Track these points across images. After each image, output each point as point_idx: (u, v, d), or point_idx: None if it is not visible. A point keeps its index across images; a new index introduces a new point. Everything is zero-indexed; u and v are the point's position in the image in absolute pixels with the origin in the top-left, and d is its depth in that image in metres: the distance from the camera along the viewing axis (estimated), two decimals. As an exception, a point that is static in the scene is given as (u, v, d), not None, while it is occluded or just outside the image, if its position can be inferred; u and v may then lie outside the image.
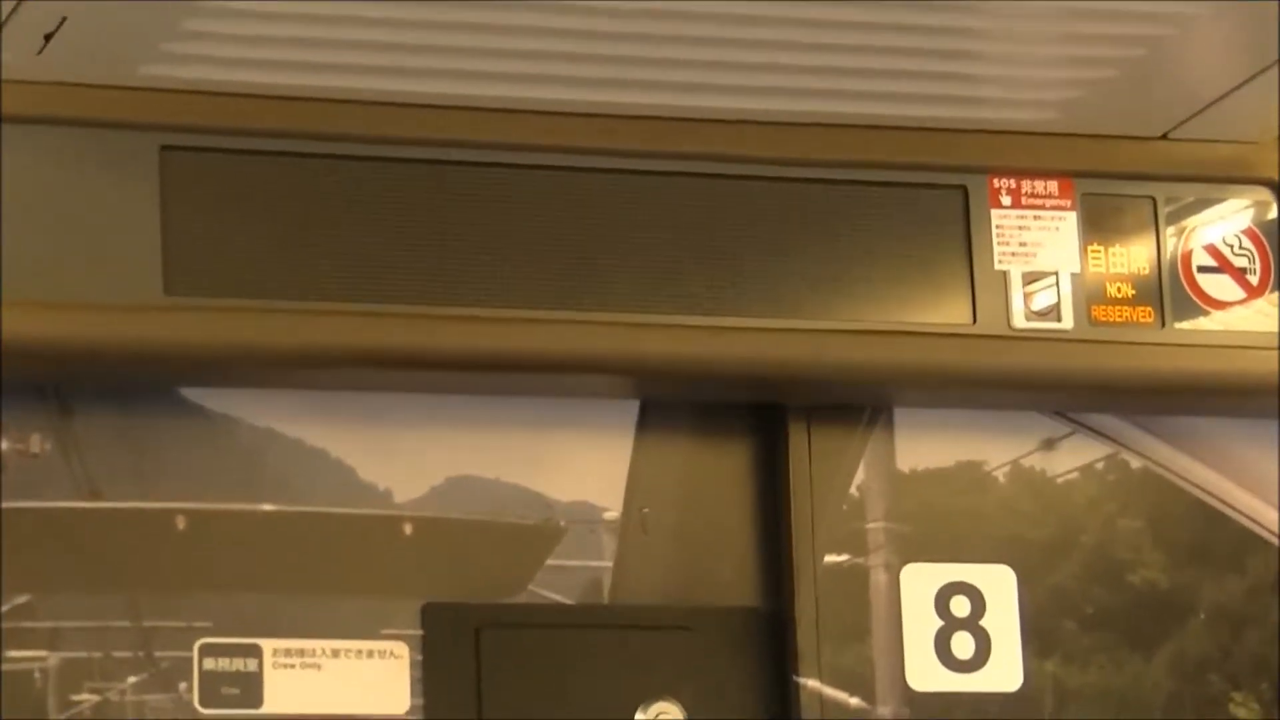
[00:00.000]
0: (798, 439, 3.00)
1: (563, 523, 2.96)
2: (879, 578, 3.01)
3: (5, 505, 2.79)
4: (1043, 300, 2.98)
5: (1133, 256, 3.01)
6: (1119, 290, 3.00)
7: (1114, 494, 3.10)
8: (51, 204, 2.72)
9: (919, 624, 3.00)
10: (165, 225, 2.75)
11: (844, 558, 3.00)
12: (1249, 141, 3.02)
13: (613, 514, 2.98)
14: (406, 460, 2.91)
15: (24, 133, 2.72)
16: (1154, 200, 3.02)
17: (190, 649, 2.83)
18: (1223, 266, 3.03)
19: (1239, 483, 3.12)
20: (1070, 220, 3.00)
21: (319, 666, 2.86)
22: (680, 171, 2.89)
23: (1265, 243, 3.05)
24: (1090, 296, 2.99)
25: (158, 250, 2.74)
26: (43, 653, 2.79)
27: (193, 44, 2.64)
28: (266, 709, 2.84)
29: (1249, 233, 3.04)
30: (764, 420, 3.01)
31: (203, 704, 2.82)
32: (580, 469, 2.96)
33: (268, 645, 2.85)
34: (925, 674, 3.00)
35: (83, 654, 2.80)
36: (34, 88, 2.70)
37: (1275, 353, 3.01)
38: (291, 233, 2.79)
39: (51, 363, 2.77)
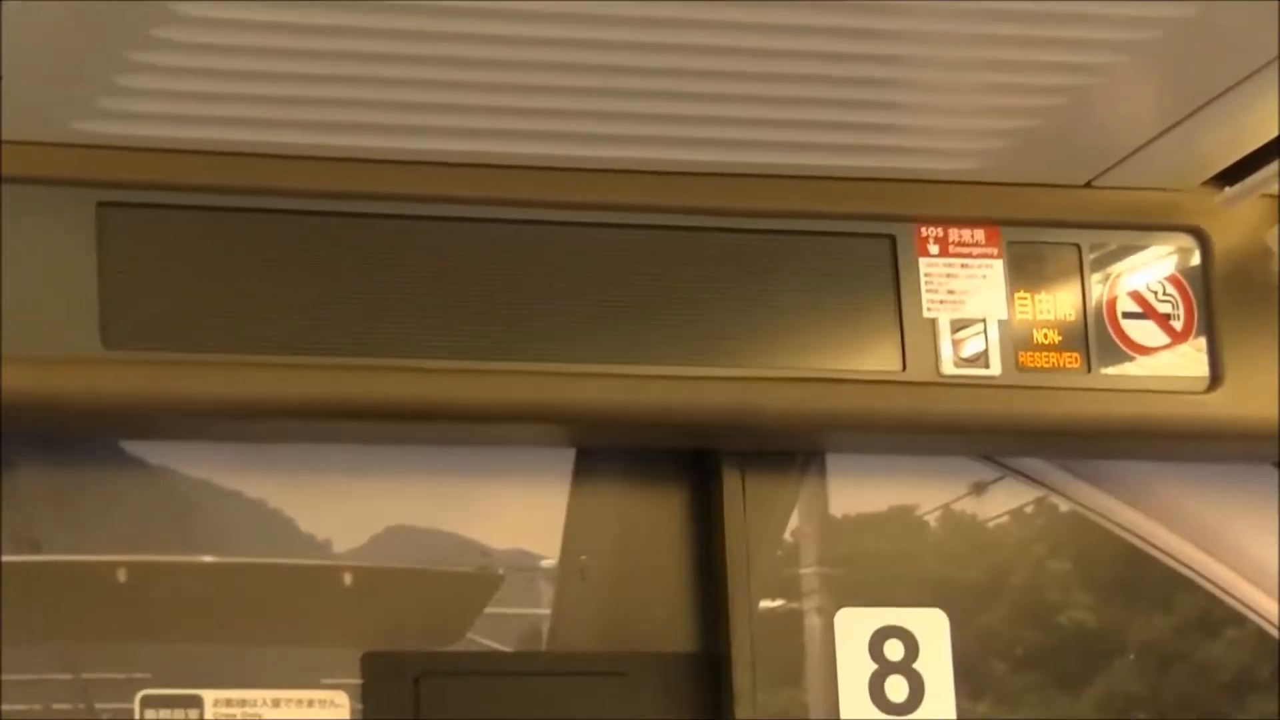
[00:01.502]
0: (732, 485, 2.97)
1: (500, 571, 2.94)
2: (813, 622, 2.98)
3: None
4: (971, 347, 2.94)
5: (1059, 303, 2.98)
6: (1046, 336, 2.96)
7: (1043, 537, 3.08)
8: None
9: (853, 667, 2.97)
10: (102, 280, 2.72)
11: (779, 603, 2.98)
12: (1172, 189, 2.99)
13: (550, 561, 2.95)
14: (345, 510, 2.90)
15: None
16: (1079, 247, 3.00)
17: (132, 700, 2.82)
18: (1147, 313, 3.00)
19: (1165, 524, 3.11)
20: (997, 268, 2.97)
21: (260, 716, 2.83)
22: (613, 223, 2.87)
23: (1189, 289, 3.02)
24: (1018, 343, 2.96)
25: (95, 304, 2.71)
26: None
27: (126, 100, 2.62)
28: None
29: (1172, 279, 3.02)
30: (698, 467, 2.99)
31: None
32: (517, 517, 2.95)
33: (209, 695, 2.82)
34: (860, 716, 2.95)
35: (22, 707, 2.77)
36: None
37: (1200, 397, 2.98)
38: (227, 286, 2.76)
39: None
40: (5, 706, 2.76)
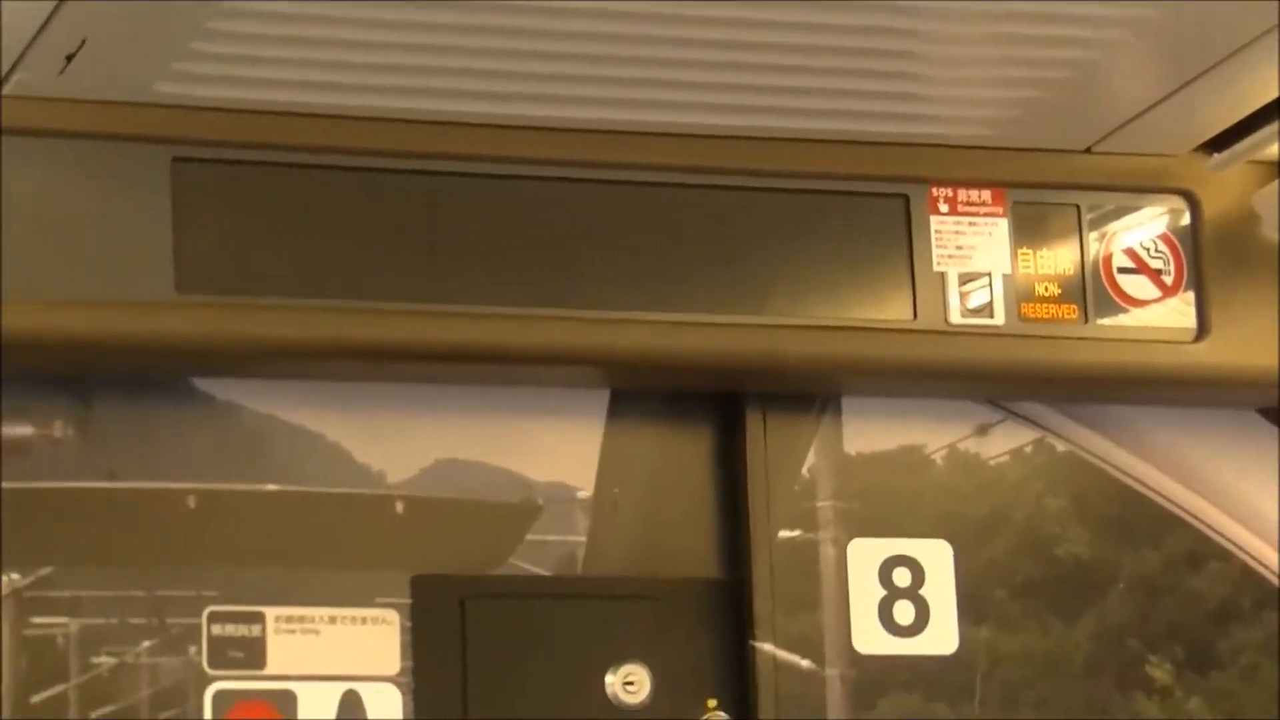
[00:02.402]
0: (754, 426, 2.99)
1: (540, 501, 2.95)
2: (828, 551, 3.00)
3: (31, 485, 2.78)
4: (977, 299, 2.97)
5: (1059, 259, 3.00)
6: (1046, 289, 2.99)
7: (1041, 475, 3.10)
8: (72, 211, 2.72)
9: (864, 593, 3.00)
10: (176, 229, 2.74)
11: (796, 533, 3.00)
12: (1165, 155, 3.01)
13: (586, 493, 2.97)
14: (398, 445, 2.91)
15: (48, 146, 2.71)
16: (1078, 208, 3.01)
17: (199, 616, 2.83)
18: (1140, 268, 3.02)
19: (1155, 465, 3.12)
20: (1002, 226, 2.99)
21: (317, 632, 2.86)
22: (649, 182, 2.89)
23: (1179, 247, 3.04)
24: (1020, 295, 2.98)
25: (170, 252, 2.73)
26: (64, 619, 2.79)
27: (202, 64, 2.63)
28: (269, 670, 2.83)
29: (1164, 238, 3.04)
30: (724, 409, 3.01)
31: (210, 666, 2.82)
32: (556, 452, 2.96)
33: (270, 612, 2.85)
34: (870, 638, 2.99)
35: (100, 621, 2.81)
36: (56, 104, 2.69)
37: (1188, 346, 3.01)
38: (293, 236, 2.78)
39: (72, 356, 2.77)
40: (85, 620, 2.78)
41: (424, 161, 2.82)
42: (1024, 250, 2.99)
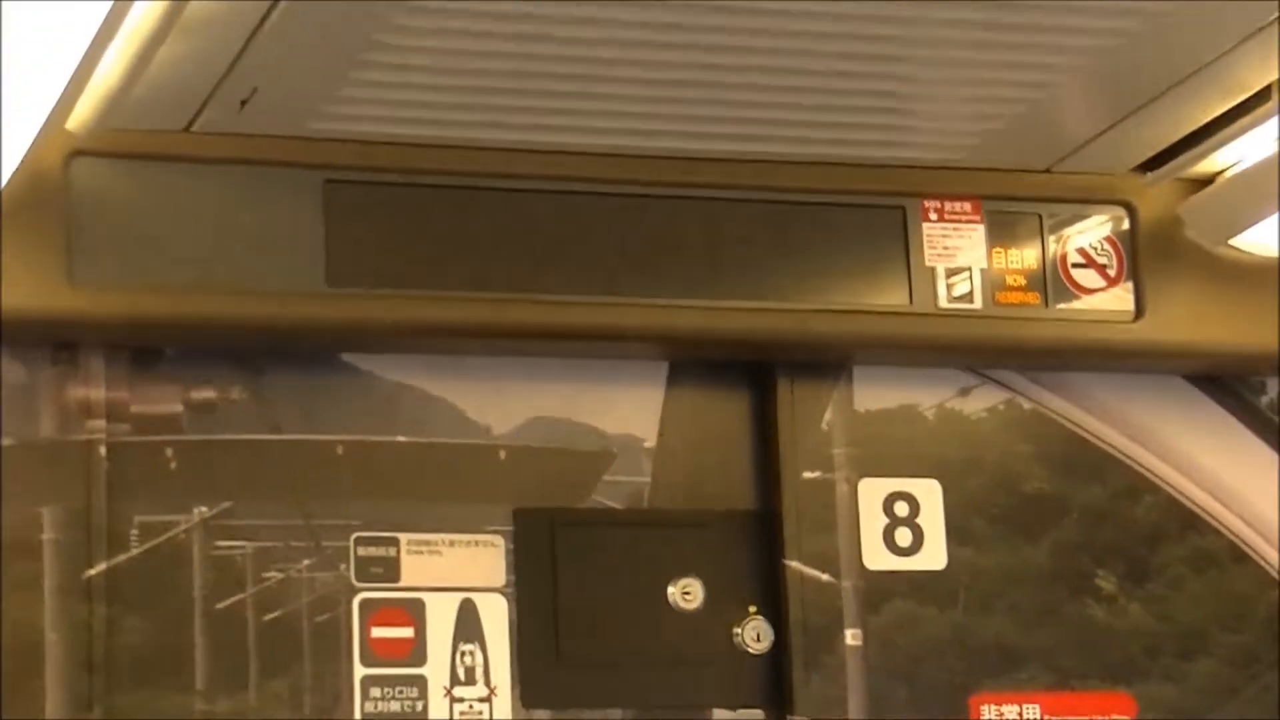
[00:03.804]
0: (784, 389, 3.00)
1: (614, 450, 2.97)
2: (842, 488, 3.01)
3: (214, 437, 2.81)
4: (960, 288, 2.98)
5: (1024, 257, 3.00)
6: (1015, 281, 2.99)
7: (1011, 428, 3.09)
8: (244, 222, 2.74)
9: (871, 521, 3.00)
10: (327, 235, 2.76)
11: (817, 474, 3.00)
12: (1109, 173, 3.01)
13: (650, 443, 2.97)
14: (502, 405, 2.91)
15: (225, 171, 2.73)
16: (1040, 216, 3.01)
17: (348, 540, 2.84)
18: (1090, 264, 3.03)
19: (1101, 419, 3.11)
20: (980, 231, 3.00)
21: (440, 553, 2.87)
22: (700, 197, 2.89)
23: (1120, 246, 3.03)
24: (994, 285, 2.99)
25: (322, 254, 2.76)
26: (242, 543, 2.81)
27: (346, 106, 2.66)
28: (403, 583, 2.85)
29: (1109, 239, 3.03)
30: (759, 376, 3.01)
31: (357, 580, 2.84)
32: (626, 410, 2.96)
33: (403, 537, 2.86)
34: (876, 557, 3.00)
35: (269, 544, 2.82)
36: (232, 139, 2.72)
37: (1127, 325, 3.01)
38: (421, 240, 2.79)
39: (245, 336, 2.80)
40: (258, 543, 2.81)
41: (524, 181, 2.81)
42: (997, 250, 2.99)
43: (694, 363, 2.98)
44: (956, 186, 2.97)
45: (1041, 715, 3.01)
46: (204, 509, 2.80)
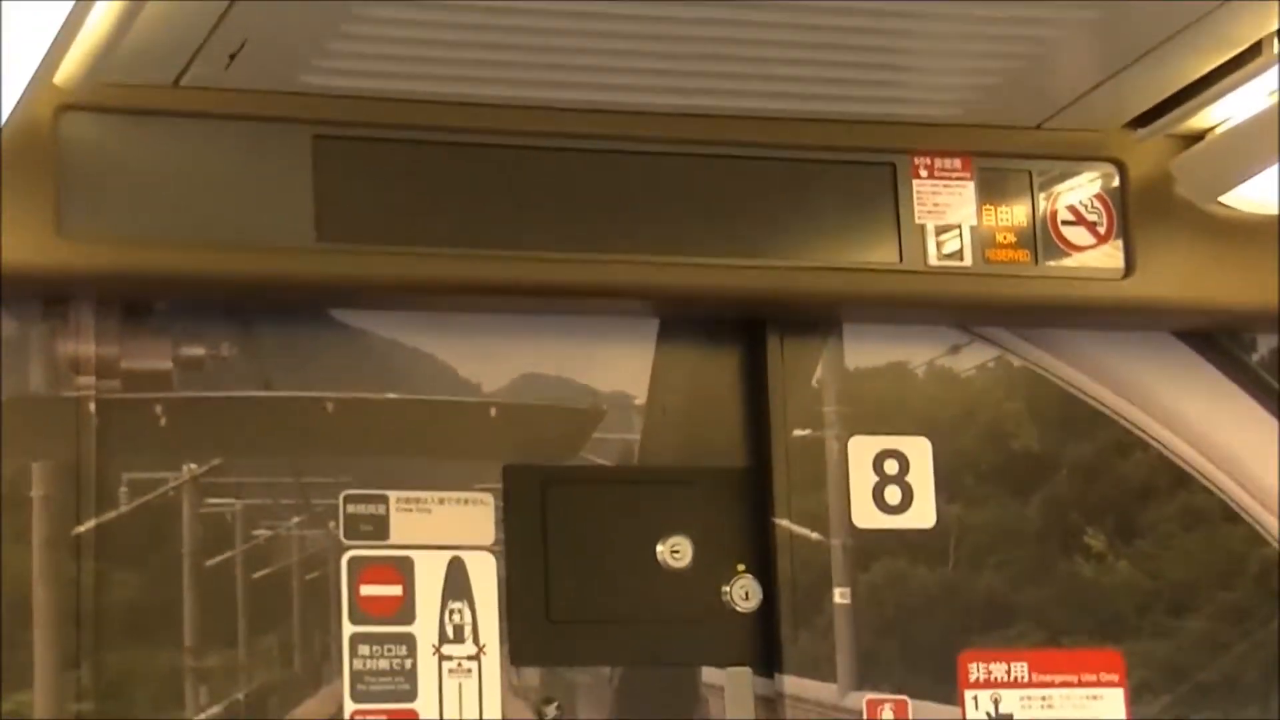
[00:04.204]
0: (774, 347, 3.00)
1: (605, 406, 2.96)
2: (833, 446, 3.00)
3: (203, 394, 2.81)
4: (951, 245, 2.98)
5: (1015, 214, 3.01)
6: (1005, 238, 2.99)
7: (1001, 385, 3.08)
8: (233, 177, 2.73)
9: (861, 479, 3.00)
10: (316, 190, 2.76)
11: (807, 431, 3.00)
12: (1100, 130, 3.01)
13: (640, 400, 2.97)
14: (492, 362, 2.91)
15: (214, 126, 2.73)
16: (1030, 173, 3.01)
17: (337, 498, 2.84)
18: (1079, 221, 3.02)
19: (1091, 376, 3.11)
20: (970, 188, 3.00)
21: (430, 510, 2.87)
22: (692, 154, 2.88)
23: (1110, 203, 3.03)
24: (984, 242, 2.98)
25: (311, 208, 2.75)
26: (231, 500, 2.81)
27: (336, 60, 2.66)
28: (392, 540, 2.85)
29: (1099, 197, 3.04)
30: (750, 333, 3.01)
31: (346, 537, 2.84)
32: (617, 367, 2.96)
33: (393, 494, 2.86)
34: (866, 515, 3.00)
35: (259, 501, 2.82)
36: (221, 93, 2.71)
37: (1116, 282, 3.01)
38: (410, 196, 2.79)
39: (234, 291, 2.79)
40: (247, 500, 2.80)
41: (515, 137, 2.81)
42: (987, 207, 2.99)
43: (685, 320, 2.98)
44: (947, 143, 2.97)
45: (1030, 673, 3.01)
46: (193, 466, 2.80)
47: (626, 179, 2.86)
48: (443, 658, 2.83)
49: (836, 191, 2.94)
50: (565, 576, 2.90)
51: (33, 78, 2.48)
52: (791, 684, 2.92)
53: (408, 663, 2.82)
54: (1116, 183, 3.04)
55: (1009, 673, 3.00)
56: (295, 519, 2.83)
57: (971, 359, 3.08)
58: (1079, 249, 3.02)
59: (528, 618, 2.87)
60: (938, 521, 3.02)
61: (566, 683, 2.89)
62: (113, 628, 2.73)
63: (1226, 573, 3.11)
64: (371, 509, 2.85)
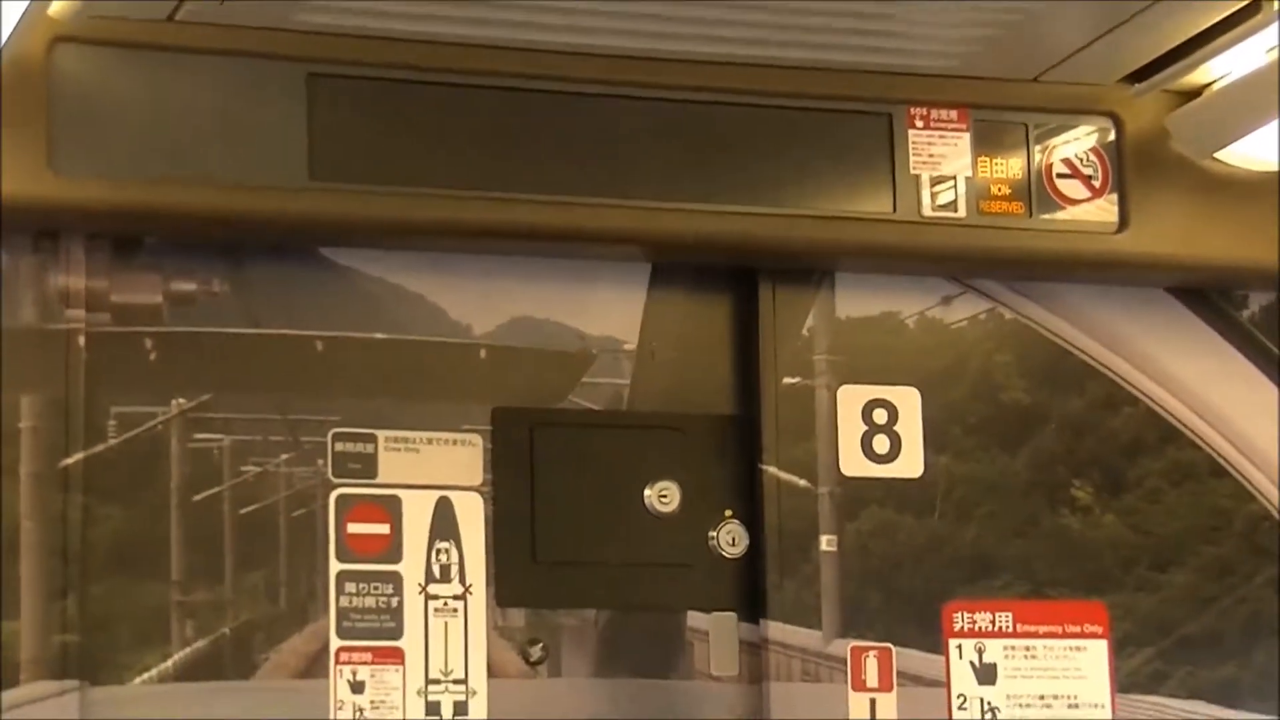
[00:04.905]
0: (765, 294, 3.00)
1: (594, 351, 2.96)
2: (822, 394, 3.01)
3: (194, 329, 2.80)
4: (945, 196, 2.98)
5: (1010, 166, 3.01)
6: (999, 190, 3.00)
7: (992, 337, 3.08)
8: (228, 114, 2.73)
9: (850, 428, 3.01)
10: (310, 129, 2.75)
11: (797, 380, 3.00)
12: (1096, 84, 3.01)
13: (630, 346, 2.97)
14: (483, 303, 2.91)
15: (209, 63, 2.73)
16: (1026, 126, 3.01)
17: (325, 436, 2.85)
18: (1074, 174, 3.03)
19: (1082, 330, 3.11)
20: (965, 139, 3.00)
21: (418, 450, 2.87)
22: (685, 99, 2.88)
23: (1105, 157, 3.03)
24: (979, 194, 2.99)
25: (304, 147, 2.75)
26: (219, 436, 2.82)
27: None
28: (380, 480, 2.85)
29: (1094, 150, 3.04)
30: (741, 281, 3.01)
31: (334, 475, 2.84)
32: (607, 312, 2.96)
33: (381, 434, 2.86)
34: (854, 464, 3.00)
35: (248, 437, 2.83)
36: (216, 29, 2.71)
37: (1111, 236, 3.02)
38: (403, 136, 2.79)
39: (226, 228, 2.78)
40: (236, 437, 2.80)
41: (510, 80, 2.81)
42: (983, 159, 2.99)
43: (676, 266, 2.98)
44: (943, 94, 2.98)
45: (1014, 623, 3.02)
46: (182, 401, 2.81)
47: (621, 123, 2.86)
48: (429, 597, 2.84)
49: (832, 141, 2.94)
50: (552, 519, 2.90)
51: (27, 9, 2.49)
52: (776, 630, 2.93)
53: (394, 601, 2.83)
54: (1112, 137, 3.04)
55: (993, 623, 3.01)
56: (283, 456, 2.83)
57: (963, 310, 3.08)
58: (1074, 202, 3.02)
59: (514, 559, 2.88)
60: (925, 471, 3.02)
61: (552, 625, 2.91)
62: (99, 561, 2.73)
63: (1213, 528, 3.12)
64: (360, 447, 2.85)
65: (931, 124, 2.98)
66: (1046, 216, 3.00)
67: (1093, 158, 3.03)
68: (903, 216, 2.95)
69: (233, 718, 2.75)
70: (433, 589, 2.84)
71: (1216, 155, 3.03)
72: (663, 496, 2.94)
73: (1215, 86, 2.98)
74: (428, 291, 2.90)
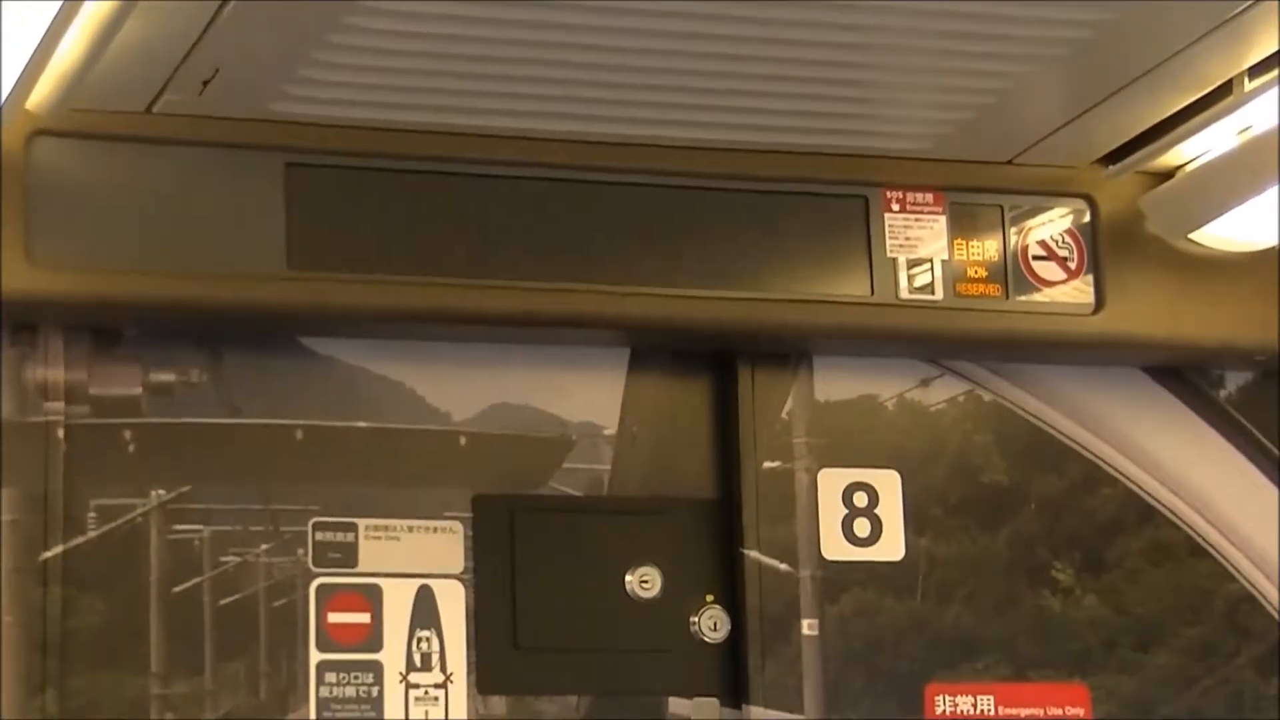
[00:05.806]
0: (744, 378, 3.00)
1: (574, 436, 2.96)
2: (802, 478, 3.01)
3: (173, 420, 2.80)
4: (922, 279, 2.99)
5: (986, 248, 3.01)
6: (976, 272, 3.00)
7: (970, 418, 3.09)
8: (205, 203, 2.73)
9: (830, 512, 3.01)
10: (288, 219, 2.76)
11: (777, 463, 3.00)
12: (1071, 166, 3.03)
13: (610, 431, 2.97)
14: (462, 390, 2.91)
15: (187, 153, 2.74)
16: (1002, 208, 3.02)
17: (306, 525, 2.84)
18: (1050, 256, 3.03)
19: (1060, 411, 3.11)
20: (941, 222, 3.00)
21: (398, 538, 2.87)
22: (662, 185, 2.89)
23: (1081, 239, 3.04)
24: (955, 276, 2.99)
25: (282, 235, 2.75)
26: (199, 526, 2.81)
27: (306, 89, 2.67)
28: (360, 568, 2.85)
29: (1069, 232, 3.04)
30: (720, 364, 3.01)
31: (314, 564, 2.84)
32: (587, 397, 2.96)
33: (362, 523, 2.86)
34: (835, 547, 3.00)
35: (227, 528, 2.82)
36: (194, 120, 2.72)
37: (1087, 318, 3.02)
38: (380, 224, 2.80)
39: (205, 318, 2.78)
40: (216, 527, 2.79)
41: (483, 167, 2.82)
42: (959, 241, 3.00)
43: (655, 350, 2.98)
44: (919, 177, 2.98)
45: (996, 706, 3.02)
46: (162, 492, 2.80)
47: (597, 209, 2.87)
48: (410, 686, 2.83)
49: (808, 224, 2.95)
50: (534, 606, 2.89)
51: (5, 102, 2.49)
52: (758, 715, 2.92)
53: (374, 690, 2.82)
54: (1087, 218, 3.05)
55: (975, 705, 3.01)
56: (263, 546, 2.82)
57: (941, 392, 3.08)
58: (1050, 284, 3.02)
59: (496, 646, 2.87)
60: (906, 554, 3.02)
61: (534, 712, 2.90)
62: (79, 654, 2.72)
63: (1193, 608, 3.12)
64: (340, 536, 2.85)
65: (908, 207, 2.99)
66: (1023, 298, 3.00)
67: (1068, 239, 3.04)
68: (880, 299, 2.95)
69: (213, 810, 2.76)
70: (414, 678, 2.84)
71: (1191, 236, 3.04)
72: (644, 582, 2.94)
73: (1189, 168, 2.99)
74: (407, 379, 2.89)
